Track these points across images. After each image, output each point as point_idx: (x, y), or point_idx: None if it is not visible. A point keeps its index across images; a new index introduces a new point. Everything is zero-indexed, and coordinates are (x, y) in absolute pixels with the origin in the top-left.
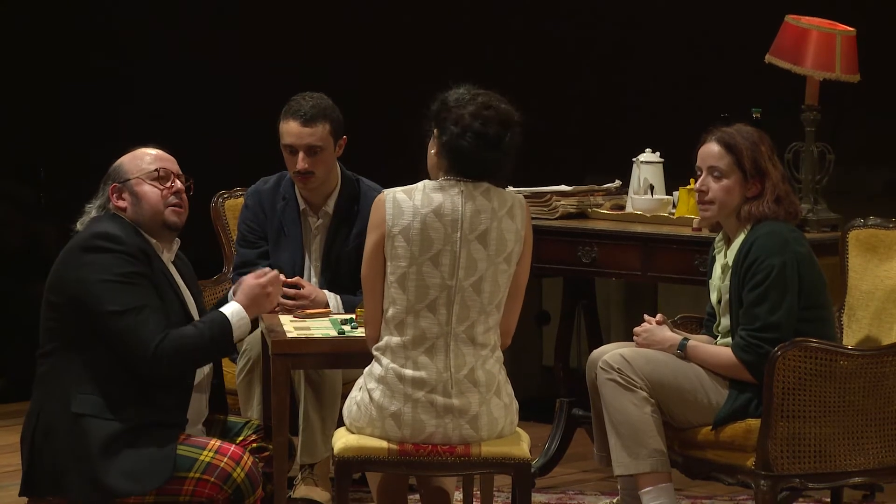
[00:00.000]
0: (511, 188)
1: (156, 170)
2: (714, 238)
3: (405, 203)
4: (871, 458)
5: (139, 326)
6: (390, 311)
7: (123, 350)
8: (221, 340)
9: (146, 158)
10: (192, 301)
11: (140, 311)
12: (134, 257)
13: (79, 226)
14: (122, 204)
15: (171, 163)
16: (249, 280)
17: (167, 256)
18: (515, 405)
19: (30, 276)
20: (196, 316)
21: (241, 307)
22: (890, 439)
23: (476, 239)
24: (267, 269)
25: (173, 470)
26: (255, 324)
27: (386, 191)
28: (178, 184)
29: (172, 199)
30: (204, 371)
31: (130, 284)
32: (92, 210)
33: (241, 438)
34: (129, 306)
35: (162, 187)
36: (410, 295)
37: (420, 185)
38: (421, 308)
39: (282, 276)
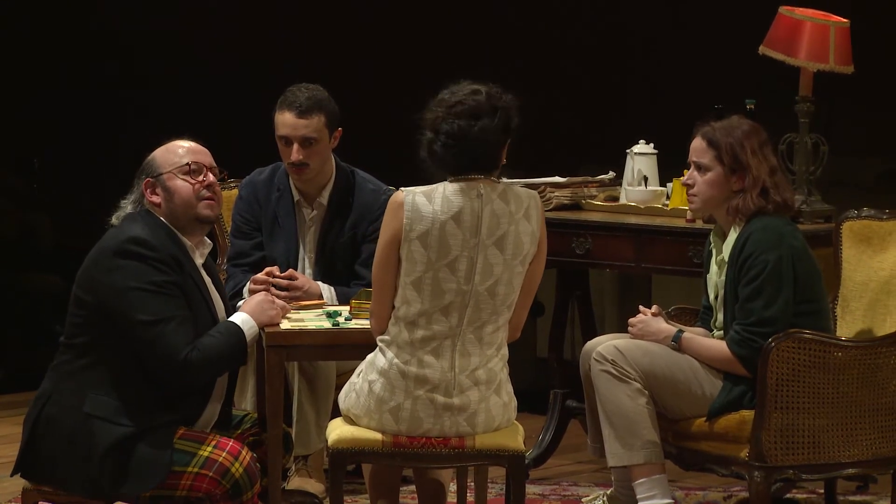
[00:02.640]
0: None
1: (188, 163)
2: (709, 231)
3: (425, 208)
4: (864, 449)
5: (168, 337)
6: (402, 310)
7: (151, 359)
8: (238, 349)
9: (178, 152)
10: (221, 305)
11: (169, 322)
12: (166, 265)
13: (114, 220)
14: (156, 199)
15: (203, 155)
16: (257, 295)
17: (199, 260)
18: (514, 403)
19: (24, 266)
20: (220, 315)
21: (248, 315)
22: (883, 431)
23: (493, 244)
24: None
25: (170, 467)
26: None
27: (406, 190)
28: (211, 177)
29: (205, 193)
30: (223, 382)
31: (161, 294)
32: (127, 206)
33: (238, 432)
34: (160, 316)
35: (194, 181)
36: (425, 298)
37: (440, 186)
38: (434, 311)
39: (275, 269)
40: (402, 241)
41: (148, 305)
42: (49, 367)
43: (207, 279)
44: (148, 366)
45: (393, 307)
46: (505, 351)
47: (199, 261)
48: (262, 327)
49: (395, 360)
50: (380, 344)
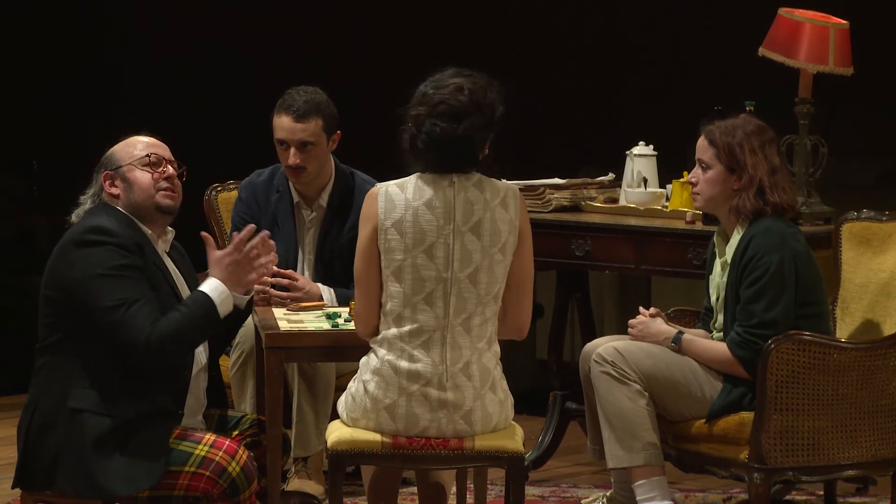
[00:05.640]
0: (504, 181)
1: (147, 155)
2: (711, 232)
3: (397, 196)
4: (864, 450)
5: (130, 319)
6: (388, 305)
7: (118, 343)
8: (208, 317)
9: (138, 145)
10: (188, 292)
11: (133, 304)
12: (126, 249)
13: (74, 217)
14: (114, 191)
15: (162, 149)
16: (215, 255)
17: (162, 247)
18: (511, 401)
19: (23, 268)
20: None
21: (217, 281)
22: (883, 432)
23: (469, 230)
24: (235, 234)
25: (166, 466)
26: (249, 306)
27: (378, 185)
28: (171, 169)
29: (164, 184)
30: (201, 363)
31: (122, 277)
32: (87, 201)
33: (236, 433)
34: (123, 299)
35: (153, 172)
36: (407, 288)
37: (412, 178)
38: (418, 301)
39: (274, 268)
40: (378, 231)
41: (110, 290)
42: (32, 374)
43: (173, 267)
44: (117, 350)
45: (379, 306)
46: (496, 348)
47: (161, 248)
48: (238, 291)
49: (387, 357)
50: (371, 345)
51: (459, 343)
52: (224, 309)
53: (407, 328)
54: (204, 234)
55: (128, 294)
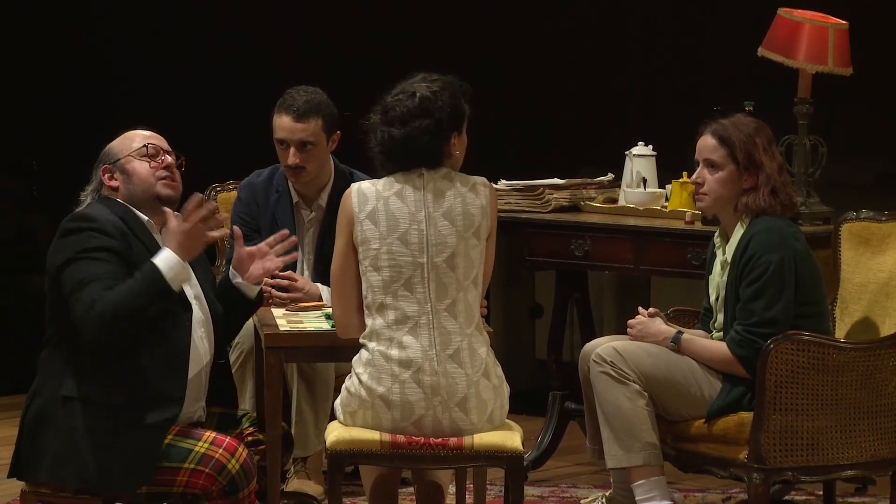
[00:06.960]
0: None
1: (144, 146)
2: (710, 232)
3: (369, 190)
4: (863, 451)
5: (85, 295)
6: (369, 297)
7: (75, 322)
8: (154, 286)
9: (136, 138)
10: (198, 284)
11: (91, 282)
12: (104, 233)
13: None
14: (114, 184)
15: (159, 140)
16: (170, 225)
17: (160, 236)
18: (506, 388)
19: (23, 268)
20: (190, 297)
21: (169, 251)
22: (882, 432)
23: (442, 216)
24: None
25: (161, 462)
26: (259, 297)
27: (352, 185)
28: (169, 158)
29: (162, 173)
30: (202, 363)
31: (89, 259)
32: (87, 197)
33: (237, 431)
34: (84, 279)
35: (151, 161)
36: (385, 274)
37: (383, 178)
38: (397, 287)
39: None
40: (353, 226)
41: (74, 274)
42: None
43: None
44: (77, 332)
45: (355, 305)
46: (485, 335)
47: (161, 237)
48: (188, 259)
49: (378, 348)
50: (362, 341)
51: (448, 328)
52: (173, 275)
53: (391, 316)
54: (235, 227)
55: (90, 275)
